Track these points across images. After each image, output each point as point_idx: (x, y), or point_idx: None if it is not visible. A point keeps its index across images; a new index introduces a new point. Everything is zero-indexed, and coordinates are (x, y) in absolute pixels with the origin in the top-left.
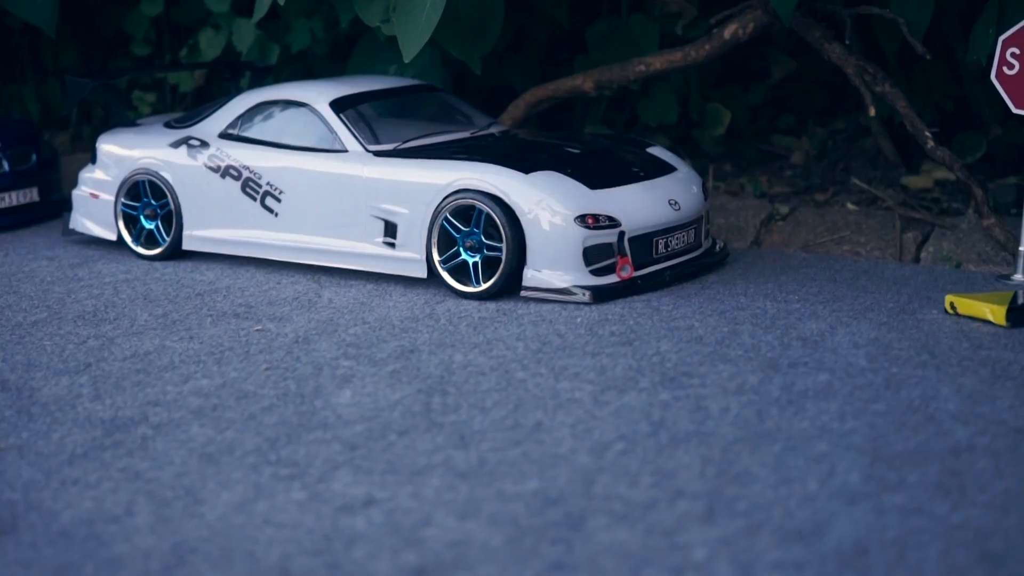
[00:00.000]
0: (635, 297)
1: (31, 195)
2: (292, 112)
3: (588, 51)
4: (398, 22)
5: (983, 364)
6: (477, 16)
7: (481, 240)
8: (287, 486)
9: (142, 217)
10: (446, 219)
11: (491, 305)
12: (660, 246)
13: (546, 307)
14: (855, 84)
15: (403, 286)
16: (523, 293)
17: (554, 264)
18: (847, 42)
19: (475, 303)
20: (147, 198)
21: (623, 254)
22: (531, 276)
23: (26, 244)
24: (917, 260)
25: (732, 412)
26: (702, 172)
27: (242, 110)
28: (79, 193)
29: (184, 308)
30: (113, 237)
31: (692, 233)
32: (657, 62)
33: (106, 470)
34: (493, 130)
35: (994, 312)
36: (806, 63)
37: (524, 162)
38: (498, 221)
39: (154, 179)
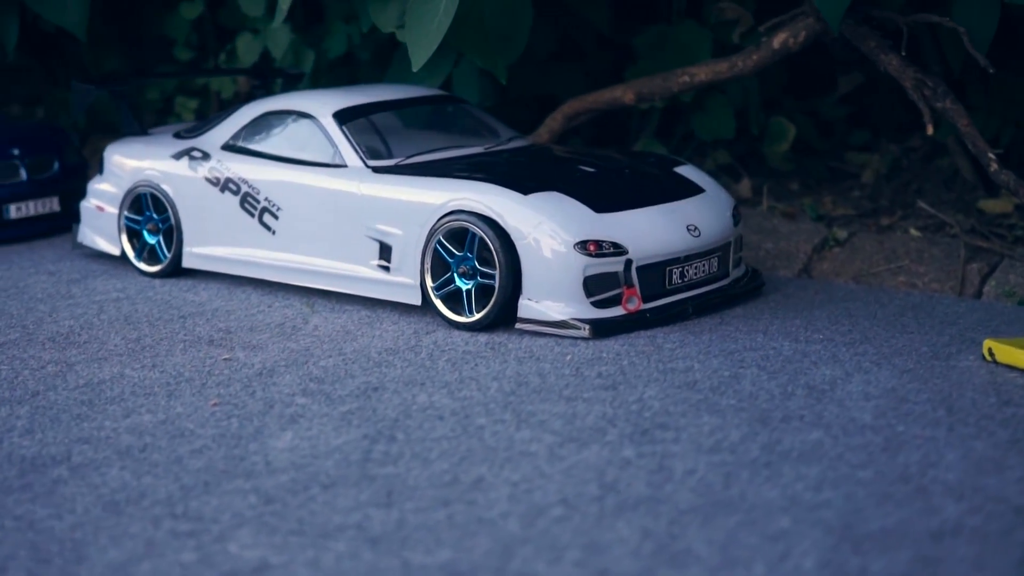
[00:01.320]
0: (641, 332)
1: (51, 205)
2: (296, 123)
3: (636, 61)
4: (408, 27)
5: (1004, 425)
6: (502, 22)
7: (475, 266)
8: (181, 545)
9: (145, 232)
10: (439, 242)
11: (481, 338)
12: (675, 276)
13: (540, 341)
14: (913, 99)
15: (397, 313)
16: (518, 325)
17: (552, 294)
18: (903, 53)
19: (465, 335)
20: (149, 211)
21: (630, 285)
22: (527, 307)
23: (34, 257)
24: (979, 295)
25: (697, 475)
26: (757, 191)
27: (247, 120)
28: (87, 205)
29: (161, 332)
30: (118, 252)
31: (716, 262)
32: (702, 73)
33: (1, 518)
34: (512, 145)
35: None
36: (881, 74)
37: (527, 182)
38: (491, 246)
39: (156, 192)
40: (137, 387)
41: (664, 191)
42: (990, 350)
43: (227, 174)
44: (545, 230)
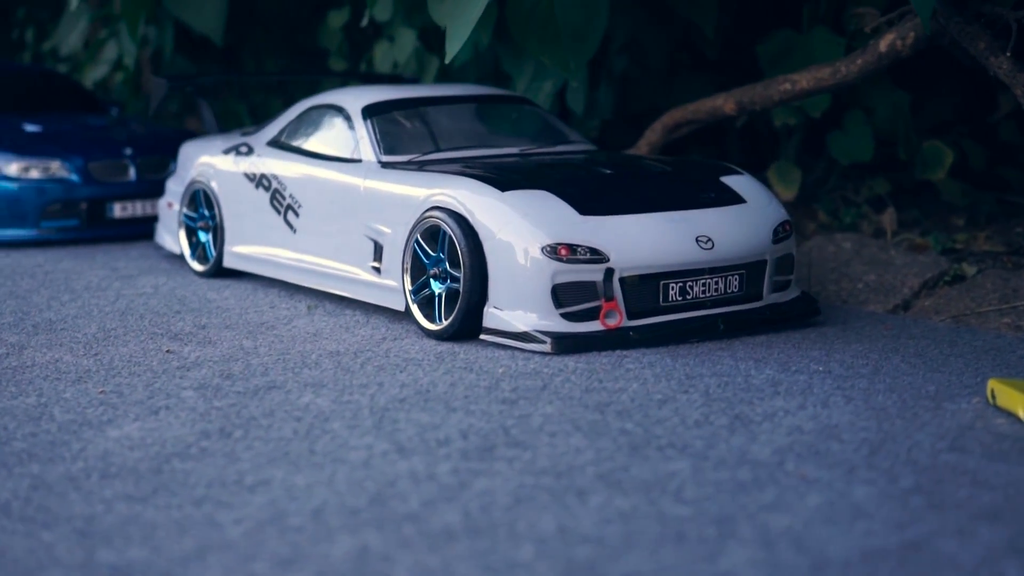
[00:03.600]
0: (615, 352)
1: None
2: (331, 118)
3: (762, 70)
4: (449, 15)
5: (901, 482)
6: (575, 17)
7: (446, 268)
8: None
9: (199, 229)
10: (416, 242)
11: (440, 347)
12: (672, 292)
13: (497, 354)
14: None
15: (387, 318)
16: (482, 336)
17: (518, 302)
18: (1008, 53)
19: (424, 343)
20: (202, 208)
21: (609, 297)
22: (492, 315)
23: (114, 254)
24: None
25: (481, 498)
26: (911, 224)
27: (295, 115)
28: (161, 203)
29: (137, 325)
30: (179, 251)
31: (737, 280)
32: (803, 80)
33: None
34: (561, 148)
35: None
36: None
37: (518, 179)
38: (458, 246)
39: (206, 188)
40: (54, 372)
41: (681, 198)
42: (992, 391)
43: (262, 169)
44: (514, 230)
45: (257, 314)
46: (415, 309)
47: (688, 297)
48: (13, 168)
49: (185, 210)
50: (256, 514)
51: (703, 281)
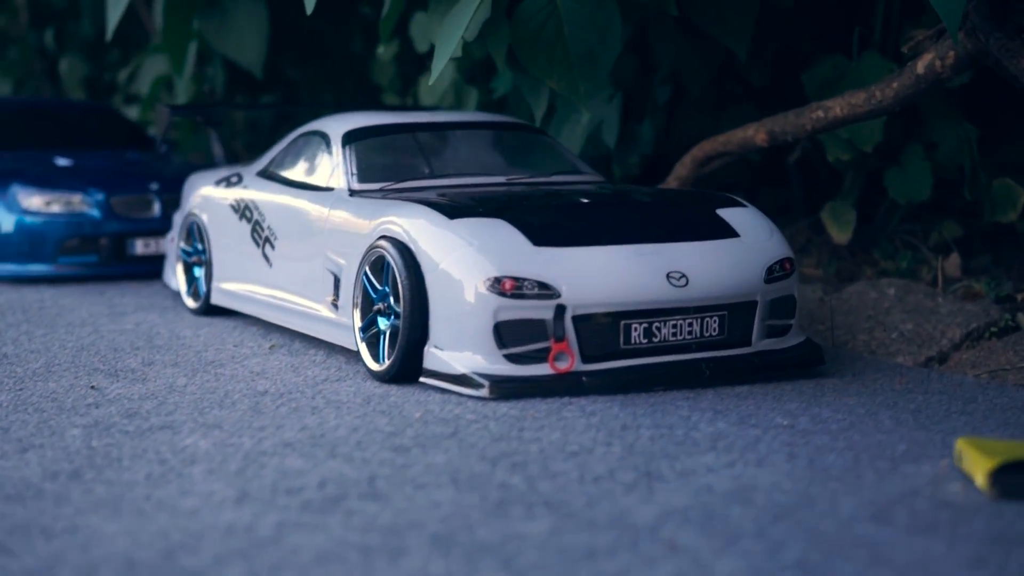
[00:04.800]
0: (562, 400)
1: None
2: (315, 145)
3: (807, 100)
4: (439, 37)
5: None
6: (587, 38)
7: (391, 303)
8: None
9: (192, 265)
10: (365, 275)
11: (378, 390)
12: (636, 334)
13: (432, 397)
14: None
15: (346, 358)
16: (422, 379)
17: (458, 342)
18: None
19: (370, 385)
20: (196, 242)
21: (559, 337)
22: (431, 355)
23: (122, 290)
24: None
25: (286, 544)
26: (979, 271)
27: (285, 144)
28: (167, 239)
29: (84, 361)
30: (177, 287)
31: (716, 322)
32: (837, 107)
33: None
34: (563, 178)
35: (981, 468)
36: None
37: (475, 207)
38: (398, 277)
39: (198, 221)
40: None
41: (656, 229)
42: (959, 452)
43: (246, 199)
44: (456, 260)
45: (215, 352)
46: (363, 348)
47: (655, 340)
48: (33, 202)
49: (182, 244)
50: (32, 564)
51: (673, 322)
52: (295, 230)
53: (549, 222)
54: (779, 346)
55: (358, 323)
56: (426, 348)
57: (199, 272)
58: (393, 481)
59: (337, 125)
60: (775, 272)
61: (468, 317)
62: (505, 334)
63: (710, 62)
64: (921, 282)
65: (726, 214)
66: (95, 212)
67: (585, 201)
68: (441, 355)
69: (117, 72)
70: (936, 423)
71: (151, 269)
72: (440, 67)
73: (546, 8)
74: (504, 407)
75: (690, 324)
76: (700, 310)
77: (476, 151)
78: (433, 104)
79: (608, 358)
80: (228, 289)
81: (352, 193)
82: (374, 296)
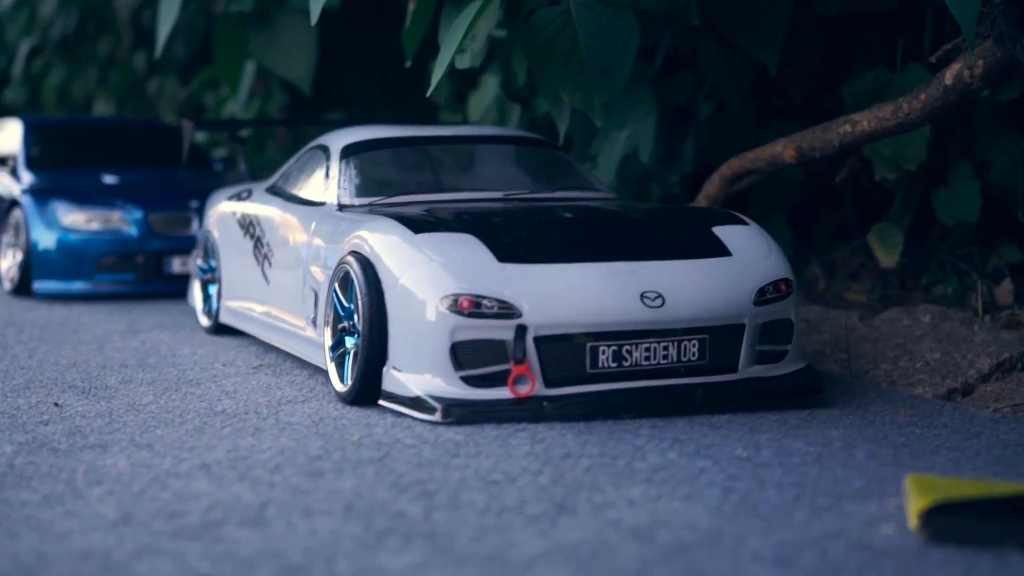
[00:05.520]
0: (518, 426)
1: None
2: (318, 159)
3: (848, 113)
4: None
5: None
6: (603, 48)
7: (355, 321)
8: None
9: (206, 282)
10: (334, 291)
11: (336, 412)
12: (604, 357)
13: (388, 421)
14: None
15: (322, 380)
16: (381, 402)
17: (416, 362)
18: None
19: (331, 407)
20: (211, 259)
21: (519, 360)
22: (390, 376)
23: (151, 311)
24: None
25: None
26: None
27: (296, 158)
28: (192, 256)
29: (64, 378)
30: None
31: (696, 346)
32: (865, 120)
33: None
34: (567, 194)
35: (913, 508)
36: None
37: (440, 221)
38: (358, 293)
39: (210, 237)
40: None
41: (635, 247)
42: (906, 490)
43: (251, 215)
44: (416, 276)
45: (199, 371)
46: (331, 368)
47: (625, 364)
48: (72, 219)
49: (199, 261)
50: None
51: (647, 345)
52: (287, 246)
53: (520, 238)
54: (772, 373)
55: (328, 342)
56: (385, 369)
57: (212, 290)
58: (285, 507)
59: (340, 139)
60: (767, 294)
61: (425, 336)
62: (462, 355)
63: (745, 76)
64: (967, 310)
65: (722, 231)
66: (133, 230)
67: (568, 217)
68: (399, 376)
69: (203, 92)
70: (917, 459)
71: (187, 287)
72: (438, 77)
73: (560, 18)
74: (451, 432)
75: (665, 348)
76: (677, 333)
77: (479, 166)
78: (466, 120)
79: (573, 382)
80: (233, 307)
81: (341, 208)
82: (342, 314)
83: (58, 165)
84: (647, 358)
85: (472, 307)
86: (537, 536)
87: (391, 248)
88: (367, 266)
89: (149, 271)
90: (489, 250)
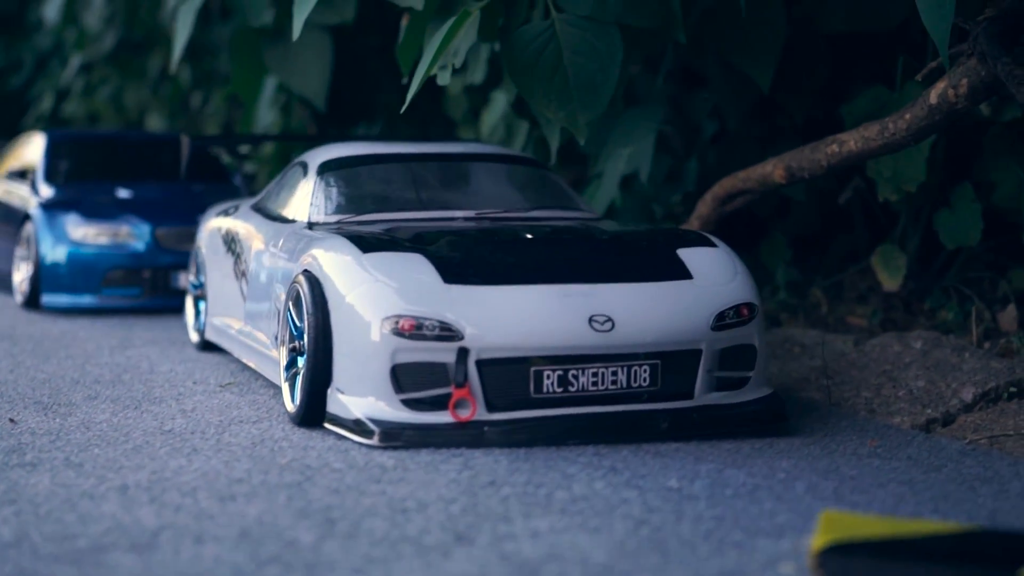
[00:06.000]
0: (453, 451)
1: None
2: (297, 175)
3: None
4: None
5: None
6: (588, 65)
7: (304, 340)
8: None
9: (197, 298)
10: (288, 309)
11: (280, 434)
12: (549, 382)
13: (329, 444)
14: None
15: (282, 399)
16: (325, 423)
17: (358, 384)
18: None
19: (279, 428)
20: (200, 275)
21: (460, 383)
22: (333, 398)
23: (151, 327)
24: None
25: None
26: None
27: (282, 174)
28: (188, 274)
29: (29, 393)
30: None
31: (648, 372)
32: (852, 140)
33: None
34: (543, 213)
35: (813, 543)
36: None
37: (393, 240)
38: (305, 312)
39: (200, 253)
40: None
41: (587, 269)
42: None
43: (232, 231)
44: (359, 296)
45: (167, 389)
46: (284, 388)
47: (571, 389)
48: (80, 233)
49: (191, 277)
50: None
51: (594, 370)
52: (260, 263)
53: (470, 259)
54: (732, 400)
55: (283, 362)
56: (329, 390)
57: (201, 306)
58: (180, 533)
59: (319, 155)
60: (727, 318)
61: (367, 358)
62: (403, 378)
63: (746, 94)
64: (967, 336)
65: (687, 254)
66: (140, 244)
67: (527, 237)
68: (342, 398)
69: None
70: (859, 493)
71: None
72: (413, 92)
73: (544, 33)
74: (383, 456)
75: (614, 373)
76: (627, 358)
77: (456, 185)
78: (478, 137)
79: (517, 407)
80: (216, 324)
81: (311, 226)
82: (296, 333)
83: (76, 179)
84: (595, 383)
85: (413, 329)
86: (422, 568)
87: (338, 267)
88: (315, 285)
89: (156, 286)
90: (436, 271)
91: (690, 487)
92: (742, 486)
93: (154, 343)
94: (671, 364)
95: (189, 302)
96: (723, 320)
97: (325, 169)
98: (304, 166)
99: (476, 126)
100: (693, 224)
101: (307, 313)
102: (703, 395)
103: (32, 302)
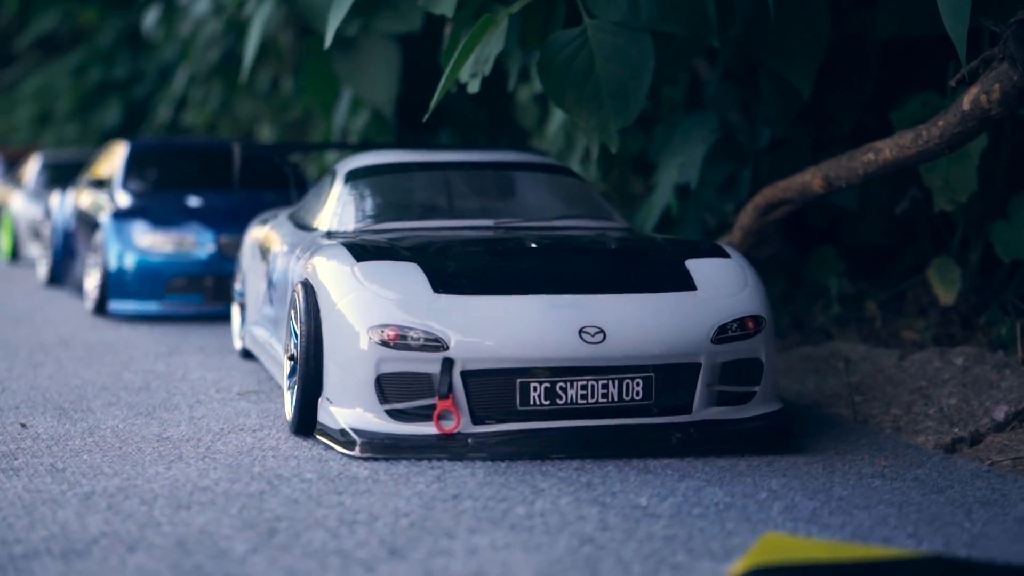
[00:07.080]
0: (433, 463)
1: None
2: (328, 184)
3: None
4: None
5: None
6: (619, 72)
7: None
8: None
9: (241, 306)
10: (290, 317)
11: (271, 442)
12: (536, 394)
13: (314, 453)
14: None
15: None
16: (315, 433)
17: (345, 394)
18: None
19: (273, 436)
20: (244, 283)
21: (444, 395)
22: (323, 408)
23: (206, 335)
24: None
25: None
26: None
27: (317, 183)
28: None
29: (59, 399)
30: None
31: (640, 385)
32: (887, 149)
33: None
34: (567, 223)
35: (738, 565)
36: None
37: (392, 249)
38: (298, 320)
39: (242, 262)
40: None
41: (581, 279)
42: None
43: (267, 240)
44: (348, 305)
45: (188, 396)
46: (286, 397)
47: (559, 402)
48: (146, 240)
49: (237, 285)
50: None
51: (583, 383)
52: (279, 272)
53: (464, 268)
54: (734, 415)
55: (285, 370)
56: (320, 400)
57: (244, 315)
58: (117, 541)
59: (349, 163)
60: (730, 331)
61: (354, 368)
62: (388, 388)
63: (793, 101)
64: (1018, 353)
65: (695, 265)
66: (202, 252)
67: (531, 247)
68: (331, 409)
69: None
70: (838, 515)
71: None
72: (436, 100)
73: (577, 40)
74: (361, 467)
75: (604, 386)
76: (618, 371)
77: (481, 193)
78: (545, 146)
79: (503, 420)
80: (252, 332)
81: (330, 235)
82: (295, 342)
83: (151, 187)
84: (584, 396)
85: (398, 338)
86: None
87: (331, 276)
88: (310, 293)
89: (218, 293)
90: (427, 280)
91: (659, 505)
92: (714, 505)
93: (201, 350)
94: (667, 377)
95: (235, 310)
96: (725, 333)
97: (352, 177)
98: (334, 174)
99: (543, 135)
100: (735, 234)
101: (300, 322)
102: (702, 410)
103: (101, 308)
